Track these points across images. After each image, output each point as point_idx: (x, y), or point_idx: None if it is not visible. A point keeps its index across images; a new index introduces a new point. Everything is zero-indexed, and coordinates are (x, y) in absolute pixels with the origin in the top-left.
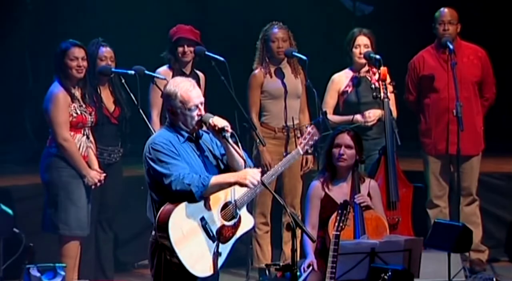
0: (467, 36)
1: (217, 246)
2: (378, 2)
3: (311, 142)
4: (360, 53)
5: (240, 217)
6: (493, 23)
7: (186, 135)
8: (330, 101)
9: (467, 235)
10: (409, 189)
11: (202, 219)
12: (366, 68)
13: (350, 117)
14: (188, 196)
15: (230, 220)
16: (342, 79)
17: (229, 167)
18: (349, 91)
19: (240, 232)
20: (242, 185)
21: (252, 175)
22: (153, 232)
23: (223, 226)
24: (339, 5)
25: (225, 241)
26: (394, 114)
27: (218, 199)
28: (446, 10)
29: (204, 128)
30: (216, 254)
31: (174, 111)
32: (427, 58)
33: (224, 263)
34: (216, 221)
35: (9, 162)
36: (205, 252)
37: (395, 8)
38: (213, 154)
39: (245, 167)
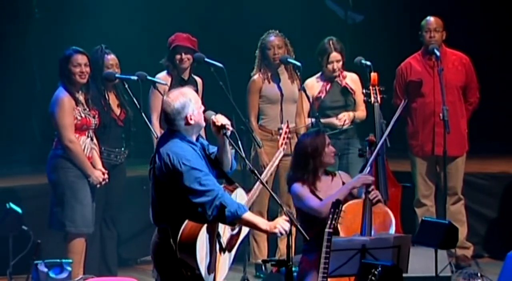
0: (452, 43)
1: (228, 256)
2: (368, 11)
3: (288, 141)
4: (333, 68)
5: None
6: (477, 31)
7: (198, 145)
8: (304, 106)
9: (453, 232)
10: (398, 189)
11: (218, 235)
12: (336, 73)
13: (327, 121)
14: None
15: (234, 229)
16: (314, 84)
17: (218, 162)
18: (322, 96)
19: (241, 238)
20: (271, 234)
21: (282, 224)
22: (156, 233)
23: (231, 236)
24: (332, 14)
25: (231, 249)
26: (363, 115)
27: None
28: (432, 18)
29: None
30: (227, 264)
31: (192, 115)
32: (414, 64)
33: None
34: (226, 233)
35: (18, 163)
36: (218, 265)
37: (384, 17)
38: (209, 156)
39: (231, 167)
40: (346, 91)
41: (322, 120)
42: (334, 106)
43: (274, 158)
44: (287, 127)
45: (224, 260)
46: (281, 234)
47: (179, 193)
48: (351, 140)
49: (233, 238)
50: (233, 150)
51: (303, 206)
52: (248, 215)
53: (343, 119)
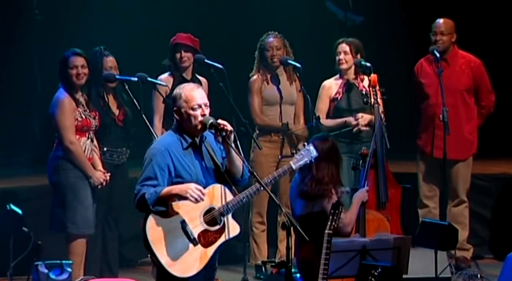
0: (466, 45)
1: (204, 252)
2: (369, 13)
3: (306, 159)
4: (340, 59)
5: (224, 223)
6: (491, 32)
7: (189, 140)
8: (322, 106)
9: (453, 234)
10: (398, 190)
11: (183, 222)
12: (354, 75)
13: (343, 120)
14: (144, 205)
15: (213, 225)
16: (332, 85)
17: (228, 170)
18: (339, 97)
19: (224, 238)
20: (182, 198)
21: (193, 189)
22: None
23: (205, 230)
24: (332, 15)
25: (207, 245)
26: (383, 119)
27: (201, 204)
28: (441, 21)
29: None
30: (198, 258)
31: (178, 111)
32: (424, 65)
33: (208, 265)
34: (198, 225)
35: (19, 164)
36: (185, 255)
37: (385, 18)
38: (214, 158)
39: (243, 170)
40: (363, 94)
41: (333, 120)
42: (350, 108)
43: (280, 171)
44: (309, 146)
45: (199, 254)
46: (194, 199)
47: None
48: (370, 143)
49: (209, 234)
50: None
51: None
52: (165, 190)
53: (360, 117)
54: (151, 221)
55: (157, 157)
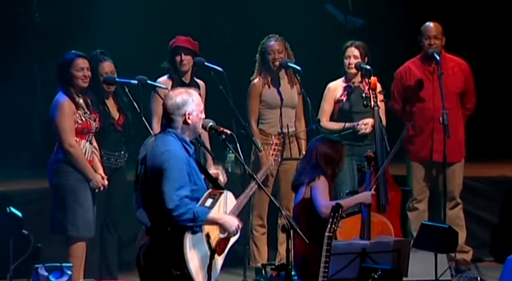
0: (452, 47)
1: (218, 259)
2: (369, 16)
3: (278, 153)
4: (350, 64)
5: None
6: (476, 34)
7: (192, 147)
8: (327, 108)
9: (453, 236)
10: (398, 193)
11: (207, 235)
12: (359, 78)
13: (342, 124)
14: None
15: (224, 232)
16: (337, 87)
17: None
18: (343, 100)
19: (230, 243)
20: (225, 230)
21: (237, 229)
22: (145, 235)
23: (220, 239)
24: (332, 18)
25: (221, 252)
26: (383, 121)
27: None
28: (431, 25)
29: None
30: (217, 267)
31: (190, 114)
32: (413, 69)
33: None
34: (216, 235)
35: (19, 167)
36: (206, 265)
37: (384, 21)
38: (199, 162)
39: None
40: (363, 97)
41: (333, 123)
42: (354, 110)
43: (263, 171)
44: (278, 139)
45: (215, 263)
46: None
47: None
48: (372, 145)
49: (222, 242)
50: (232, 155)
51: (314, 199)
52: (214, 216)
53: (361, 124)
54: (188, 241)
55: (182, 164)
